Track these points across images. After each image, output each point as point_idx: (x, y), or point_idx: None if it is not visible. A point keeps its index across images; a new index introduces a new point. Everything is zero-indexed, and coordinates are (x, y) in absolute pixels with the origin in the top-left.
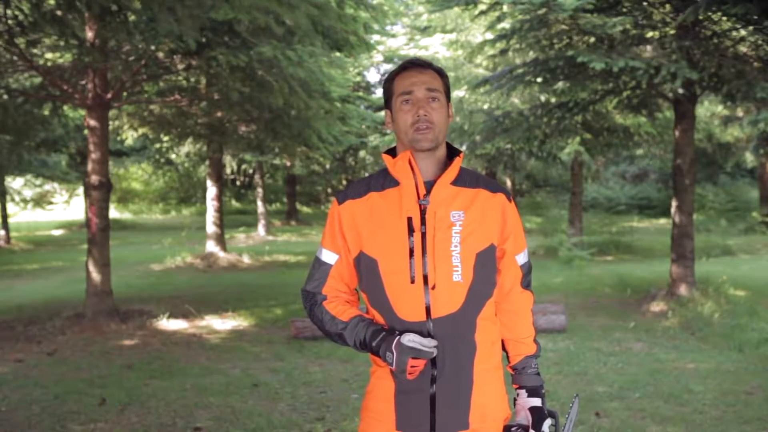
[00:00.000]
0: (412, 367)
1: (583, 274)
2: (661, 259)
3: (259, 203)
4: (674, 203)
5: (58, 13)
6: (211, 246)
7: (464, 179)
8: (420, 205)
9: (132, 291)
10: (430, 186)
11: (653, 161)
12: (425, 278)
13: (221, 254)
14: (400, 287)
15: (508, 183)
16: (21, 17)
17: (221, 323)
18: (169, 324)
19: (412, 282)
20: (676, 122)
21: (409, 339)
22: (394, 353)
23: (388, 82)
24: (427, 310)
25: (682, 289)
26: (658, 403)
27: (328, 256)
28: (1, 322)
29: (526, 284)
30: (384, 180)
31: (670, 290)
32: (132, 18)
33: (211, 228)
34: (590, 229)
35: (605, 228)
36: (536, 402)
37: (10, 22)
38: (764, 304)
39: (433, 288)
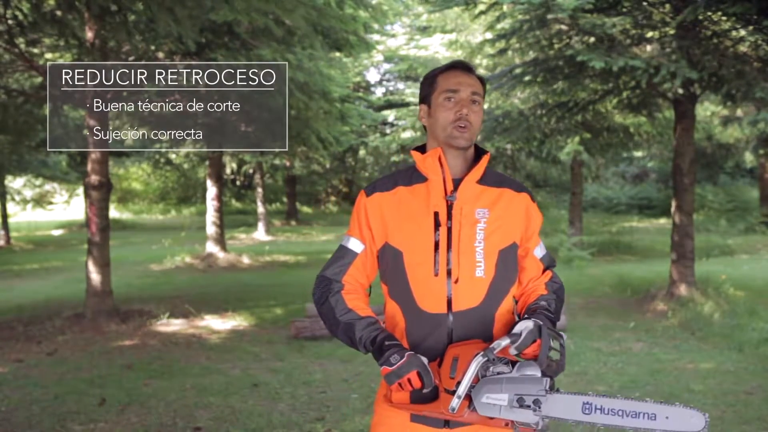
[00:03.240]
0: (408, 380)
1: (583, 274)
2: (661, 259)
3: (259, 203)
4: (674, 203)
5: (58, 13)
6: (211, 246)
7: (489, 179)
8: (447, 201)
9: (132, 291)
10: (457, 183)
11: (653, 161)
12: (449, 272)
13: (221, 254)
14: (423, 279)
15: None
16: (21, 17)
17: (221, 323)
18: (169, 324)
19: (436, 275)
20: (676, 122)
21: (425, 359)
22: (405, 358)
23: (431, 78)
24: (449, 302)
25: (682, 289)
26: None
27: (355, 245)
28: (1, 322)
29: (546, 268)
30: (412, 175)
31: (670, 290)
32: (132, 18)
33: (211, 228)
34: (590, 229)
35: (605, 228)
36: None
37: (10, 22)
38: (764, 304)
39: (456, 282)
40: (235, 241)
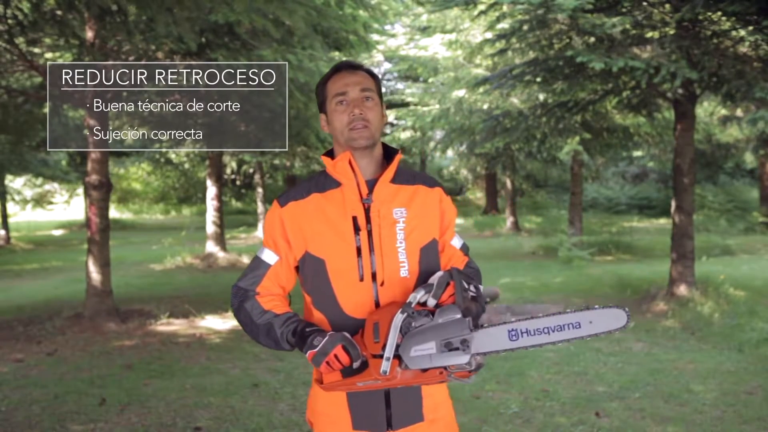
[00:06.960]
0: (335, 356)
1: (583, 274)
2: (661, 259)
3: (259, 203)
4: (674, 203)
5: (58, 13)
6: (211, 246)
7: (402, 177)
8: (363, 204)
9: (132, 291)
10: (371, 185)
11: (653, 161)
12: (374, 275)
13: (221, 254)
14: (348, 285)
15: (508, 183)
16: (21, 17)
17: (221, 323)
18: (169, 324)
19: (361, 280)
20: (676, 122)
21: (348, 334)
22: (326, 337)
23: (321, 86)
24: (376, 306)
25: (682, 289)
26: (658, 403)
27: (269, 256)
28: (1, 322)
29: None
30: (325, 181)
31: (670, 290)
32: (132, 18)
33: (211, 228)
34: (590, 229)
35: (605, 228)
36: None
37: (10, 22)
38: (764, 304)
39: (382, 284)
40: (235, 240)
